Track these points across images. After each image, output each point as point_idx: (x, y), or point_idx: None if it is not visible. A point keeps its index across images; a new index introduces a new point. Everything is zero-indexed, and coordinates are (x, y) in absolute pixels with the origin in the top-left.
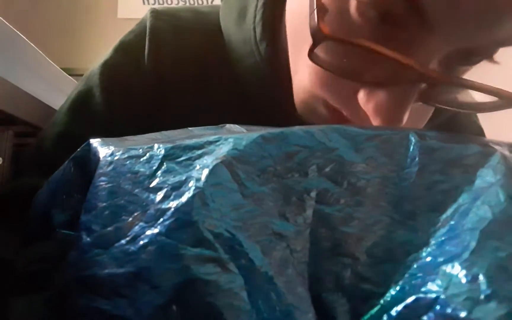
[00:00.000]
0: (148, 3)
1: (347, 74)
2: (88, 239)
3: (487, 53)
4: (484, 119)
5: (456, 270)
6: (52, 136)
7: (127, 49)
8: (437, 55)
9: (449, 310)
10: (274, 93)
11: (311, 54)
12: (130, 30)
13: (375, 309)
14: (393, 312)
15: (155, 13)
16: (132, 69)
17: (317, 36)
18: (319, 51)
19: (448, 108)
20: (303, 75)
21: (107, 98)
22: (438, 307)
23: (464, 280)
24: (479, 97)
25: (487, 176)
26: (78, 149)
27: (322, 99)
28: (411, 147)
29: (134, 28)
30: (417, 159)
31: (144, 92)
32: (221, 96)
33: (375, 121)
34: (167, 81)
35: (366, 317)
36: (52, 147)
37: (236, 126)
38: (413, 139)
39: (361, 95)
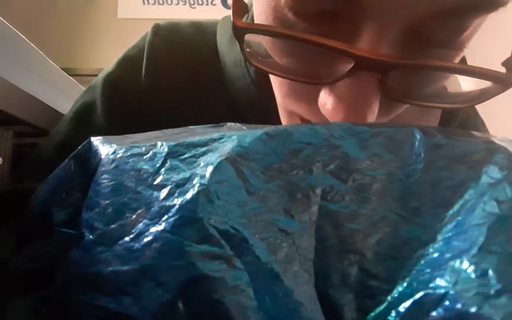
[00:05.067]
0: (148, 3)
1: (287, 74)
2: (91, 236)
3: (440, 32)
4: (485, 118)
5: (465, 265)
6: (54, 144)
7: (129, 64)
8: (383, 41)
9: (458, 306)
10: (265, 116)
11: (246, 55)
12: (135, 44)
13: (383, 305)
14: (401, 308)
15: (155, 29)
16: (131, 84)
17: (236, 32)
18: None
19: (422, 104)
20: (274, 89)
21: (107, 112)
22: (447, 303)
23: (473, 276)
24: (467, 86)
25: (493, 172)
26: (79, 147)
27: (296, 113)
28: (416, 144)
29: (138, 42)
30: (422, 155)
31: (141, 108)
32: (215, 115)
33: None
34: (162, 97)
35: (373, 313)
36: (52, 154)
37: (237, 124)
38: (418, 136)
39: (320, 98)
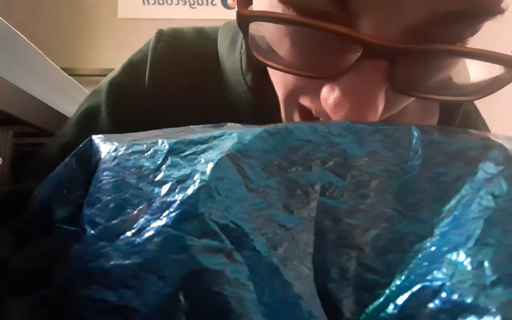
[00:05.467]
0: (148, 3)
1: (291, 68)
2: (92, 232)
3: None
4: (487, 118)
5: (461, 257)
6: (58, 146)
7: (133, 69)
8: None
9: (455, 297)
10: (263, 123)
11: (250, 49)
12: (139, 49)
13: (381, 298)
14: (399, 301)
15: (159, 34)
16: (135, 89)
17: (241, 21)
18: (262, 50)
19: (429, 96)
20: (276, 85)
21: (111, 115)
22: (444, 294)
23: (469, 267)
24: (476, 75)
25: (489, 168)
26: (80, 145)
27: (296, 104)
28: (414, 141)
29: (143, 47)
30: (420, 152)
31: (144, 112)
32: (216, 121)
33: (335, 117)
34: (164, 102)
35: (372, 306)
36: (57, 156)
37: (237, 124)
38: (415, 133)
39: (322, 93)
